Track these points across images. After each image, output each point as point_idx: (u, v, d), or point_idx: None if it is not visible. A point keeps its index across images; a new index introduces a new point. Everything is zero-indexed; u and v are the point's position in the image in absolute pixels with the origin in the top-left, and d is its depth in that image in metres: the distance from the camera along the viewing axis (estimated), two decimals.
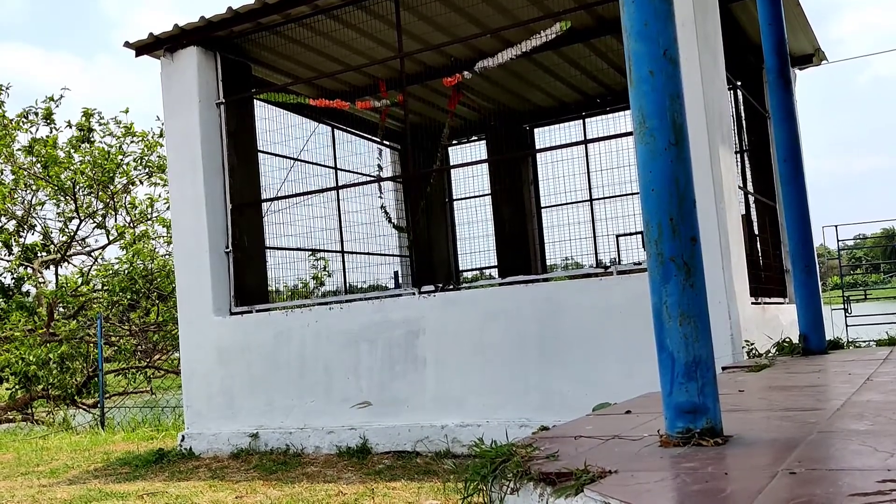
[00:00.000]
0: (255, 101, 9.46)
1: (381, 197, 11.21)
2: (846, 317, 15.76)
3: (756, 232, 8.90)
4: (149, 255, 16.51)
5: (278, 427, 8.28)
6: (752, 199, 8.84)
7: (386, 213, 11.30)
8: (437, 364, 7.68)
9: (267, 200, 9.41)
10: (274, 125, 9.76)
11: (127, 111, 17.56)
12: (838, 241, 16.86)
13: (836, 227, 16.50)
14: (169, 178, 9.37)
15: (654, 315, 2.84)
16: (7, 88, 16.92)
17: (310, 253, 10.78)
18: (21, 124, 16.96)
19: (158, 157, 17.53)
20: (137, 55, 9.09)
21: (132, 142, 17.34)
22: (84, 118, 17.13)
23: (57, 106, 17.20)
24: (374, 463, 7.26)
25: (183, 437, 8.76)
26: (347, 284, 11.04)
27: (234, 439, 8.40)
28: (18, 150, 16.97)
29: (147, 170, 17.61)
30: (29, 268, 17.17)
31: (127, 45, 9.01)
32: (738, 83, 8.96)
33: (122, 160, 17.14)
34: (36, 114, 17.00)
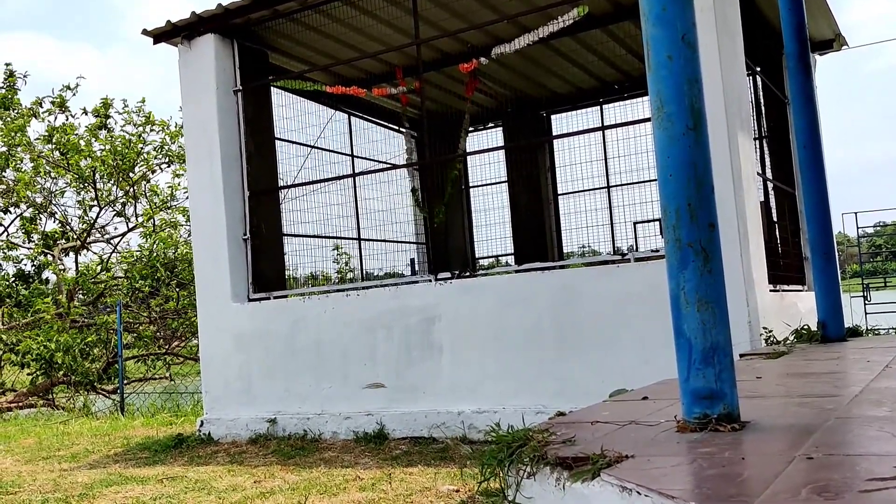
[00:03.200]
0: (271, 88, 9.48)
1: (411, 180, 11.22)
2: (865, 304, 15.65)
3: (775, 219, 8.84)
4: (171, 243, 16.61)
5: (296, 412, 8.34)
6: (770, 185, 8.78)
7: (415, 195, 11.26)
8: (454, 351, 7.70)
9: (284, 188, 9.44)
10: (291, 112, 9.78)
11: (144, 101, 17.65)
12: (858, 228, 16.74)
13: (855, 214, 16.40)
14: (187, 165, 9.41)
15: (672, 301, 2.84)
16: (25, 76, 17.06)
17: (333, 247, 10.82)
18: (37, 112, 17.09)
19: (179, 146, 17.63)
20: (155, 43, 9.13)
21: (152, 130, 17.46)
22: (102, 107, 17.24)
23: (74, 94, 17.33)
24: (391, 448, 7.30)
25: (202, 422, 8.84)
26: (364, 271, 11.07)
27: (253, 425, 8.46)
28: (37, 138, 17.12)
29: (167, 159, 17.73)
30: (49, 255, 17.33)
31: (145, 32, 9.05)
32: (758, 69, 8.88)
33: (142, 148, 17.25)
34: (52, 102, 17.14)
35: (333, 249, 11.00)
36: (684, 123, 2.80)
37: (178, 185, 18.12)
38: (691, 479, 2.14)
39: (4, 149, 16.46)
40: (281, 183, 9.46)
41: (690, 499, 1.86)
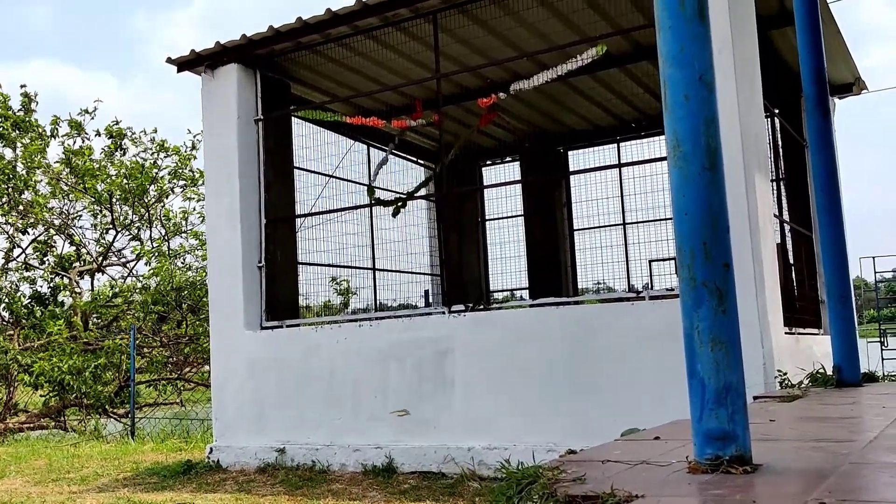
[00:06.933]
0: (292, 118, 9.58)
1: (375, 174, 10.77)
2: (882, 350, 15.48)
3: (791, 261, 8.80)
4: (166, 275, 16.40)
5: (305, 443, 8.31)
6: (787, 228, 8.75)
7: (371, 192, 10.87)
8: (466, 385, 7.66)
9: (301, 216, 9.49)
10: (310, 142, 9.86)
11: (156, 130, 17.98)
12: (875, 273, 16.58)
13: (873, 258, 16.24)
14: (206, 192, 9.48)
15: (686, 340, 2.83)
16: (35, 97, 17.26)
17: (330, 279, 10.72)
18: (55, 133, 17.34)
19: (191, 170, 17.83)
20: (179, 71, 9.26)
21: (167, 156, 17.67)
22: (112, 135, 17.48)
23: (92, 118, 17.58)
24: (399, 483, 7.25)
25: (211, 449, 8.82)
26: (378, 302, 11.07)
27: (262, 453, 8.44)
28: (57, 162, 17.33)
29: (181, 183, 17.90)
30: (65, 277, 17.45)
31: (169, 60, 9.18)
32: (776, 111, 8.89)
33: (156, 174, 17.45)
34: (70, 125, 17.38)
35: (331, 280, 10.86)
36: (700, 163, 2.81)
37: (194, 209, 18.28)
38: None
39: (23, 171, 16.66)
40: (298, 212, 9.50)
41: None
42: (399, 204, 10.80)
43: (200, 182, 17.78)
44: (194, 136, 17.84)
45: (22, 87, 17.22)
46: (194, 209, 18.32)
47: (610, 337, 7.11)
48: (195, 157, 17.83)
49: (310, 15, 8.45)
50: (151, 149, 17.64)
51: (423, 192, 12.42)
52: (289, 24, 8.48)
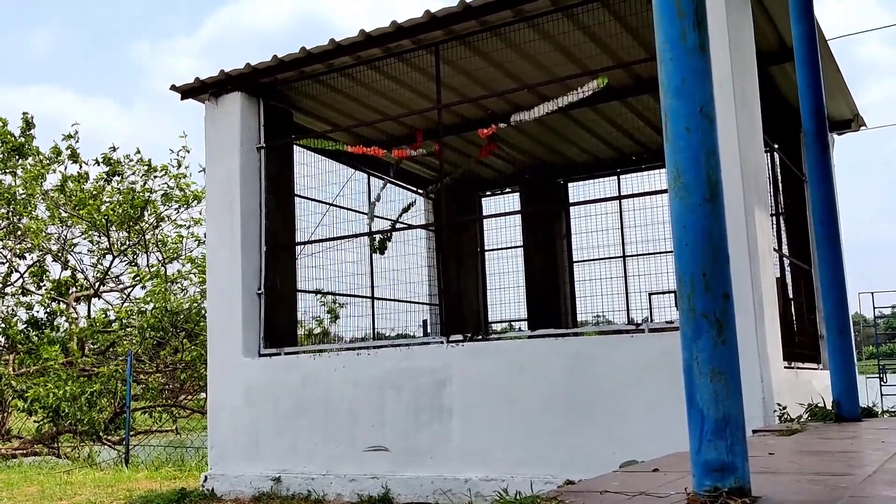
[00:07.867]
0: (294, 146, 9.63)
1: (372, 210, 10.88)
2: (881, 385, 15.43)
3: (790, 295, 8.80)
4: (161, 301, 16.34)
5: (301, 472, 8.24)
6: (787, 262, 8.76)
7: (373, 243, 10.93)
8: (464, 415, 7.62)
9: (301, 244, 9.50)
10: (311, 170, 9.90)
11: (138, 151, 18.05)
12: (874, 308, 16.59)
13: (872, 294, 16.26)
14: (207, 218, 9.50)
15: (685, 370, 2.82)
16: (31, 119, 17.34)
17: (316, 296, 10.66)
18: (54, 159, 17.43)
19: (181, 189, 17.86)
20: (183, 98, 9.32)
21: (155, 177, 17.73)
22: (109, 162, 17.56)
23: (76, 142, 17.68)
24: None
25: (206, 477, 8.75)
26: (376, 331, 11.05)
27: (257, 482, 8.37)
28: (53, 189, 17.39)
29: (175, 205, 17.94)
30: (62, 303, 17.41)
31: (173, 88, 9.25)
32: (776, 146, 8.95)
33: (149, 196, 17.49)
34: (59, 152, 17.48)
35: (317, 296, 10.69)
36: (701, 194, 2.83)
37: (191, 233, 18.30)
38: None
39: (23, 196, 16.72)
40: (298, 239, 9.52)
41: None
42: (385, 238, 10.84)
43: (195, 203, 17.85)
44: (177, 153, 17.89)
45: (24, 114, 17.33)
46: (191, 233, 18.33)
47: (609, 368, 7.09)
48: (185, 176, 17.90)
49: (313, 45, 8.53)
50: (140, 170, 17.73)
51: (422, 221, 12.45)
52: (292, 54, 8.56)
